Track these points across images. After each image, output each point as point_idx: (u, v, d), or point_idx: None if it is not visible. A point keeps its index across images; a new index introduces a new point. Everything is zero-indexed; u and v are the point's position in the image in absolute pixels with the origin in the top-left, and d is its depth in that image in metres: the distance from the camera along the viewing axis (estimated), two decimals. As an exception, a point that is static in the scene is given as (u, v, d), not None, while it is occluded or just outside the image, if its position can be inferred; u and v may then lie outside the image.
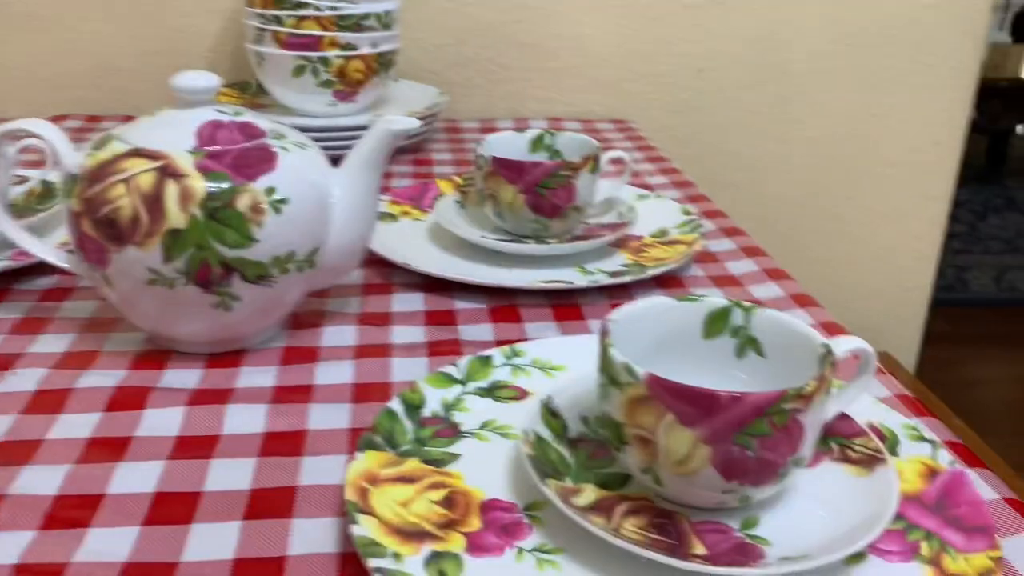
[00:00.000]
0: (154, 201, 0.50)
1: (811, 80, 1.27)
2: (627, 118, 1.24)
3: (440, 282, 0.67)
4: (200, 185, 0.50)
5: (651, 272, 0.67)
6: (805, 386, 0.36)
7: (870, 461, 0.42)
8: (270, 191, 0.52)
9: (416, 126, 0.57)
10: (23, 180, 0.78)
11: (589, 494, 0.42)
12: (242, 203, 0.51)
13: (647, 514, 0.41)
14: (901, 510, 0.41)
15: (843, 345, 0.41)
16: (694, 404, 0.36)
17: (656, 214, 0.79)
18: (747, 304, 0.44)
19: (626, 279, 0.66)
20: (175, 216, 0.50)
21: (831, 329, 0.61)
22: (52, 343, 0.58)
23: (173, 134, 0.53)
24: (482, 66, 1.20)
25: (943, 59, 1.27)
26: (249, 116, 0.56)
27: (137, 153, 0.51)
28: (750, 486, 0.38)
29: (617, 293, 0.67)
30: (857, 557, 0.39)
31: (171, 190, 0.50)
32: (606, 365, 0.40)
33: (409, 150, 1.03)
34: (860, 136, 1.31)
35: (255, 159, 0.53)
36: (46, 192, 0.78)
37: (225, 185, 0.51)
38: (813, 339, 0.41)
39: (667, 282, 0.69)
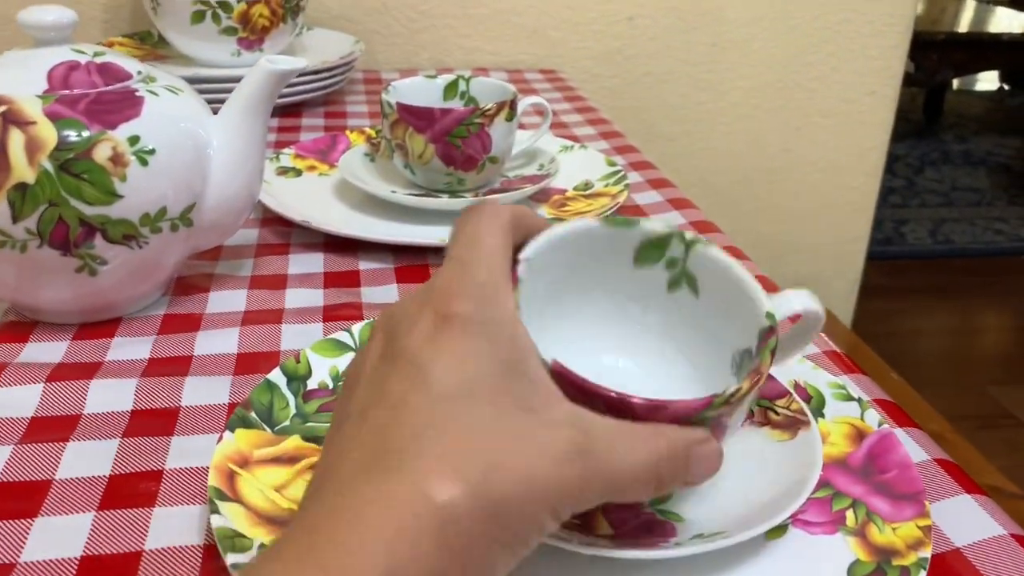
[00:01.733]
0: (-4, 152, 0.44)
1: (745, 28, 1.23)
2: (556, 68, 1.18)
3: (343, 242, 0.62)
4: (50, 133, 0.44)
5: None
6: (735, 390, 0.30)
7: (793, 424, 0.39)
8: (134, 140, 0.46)
9: (300, 66, 0.51)
10: None
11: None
12: (100, 154, 0.45)
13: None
14: (826, 476, 0.38)
15: (788, 304, 0.35)
16: (606, 408, 0.29)
17: (580, 166, 0.75)
18: (691, 236, 0.36)
19: (543, 233, 0.61)
20: (21, 169, 0.44)
21: (763, 285, 0.58)
22: (-100, 316, 0.52)
23: (20, 76, 0.47)
24: (402, 13, 1.14)
25: (877, 6, 1.24)
26: (112, 56, 0.50)
27: (-23, 98, 0.45)
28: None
29: (535, 249, 0.63)
30: (778, 530, 0.35)
31: (16, 139, 0.44)
32: None
33: (321, 102, 0.97)
34: (795, 86, 1.28)
35: (116, 104, 0.47)
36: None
37: (80, 134, 0.45)
38: (757, 301, 0.34)
39: (588, 236, 0.65)
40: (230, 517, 0.34)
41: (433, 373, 0.26)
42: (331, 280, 0.58)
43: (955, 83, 4.33)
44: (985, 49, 3.47)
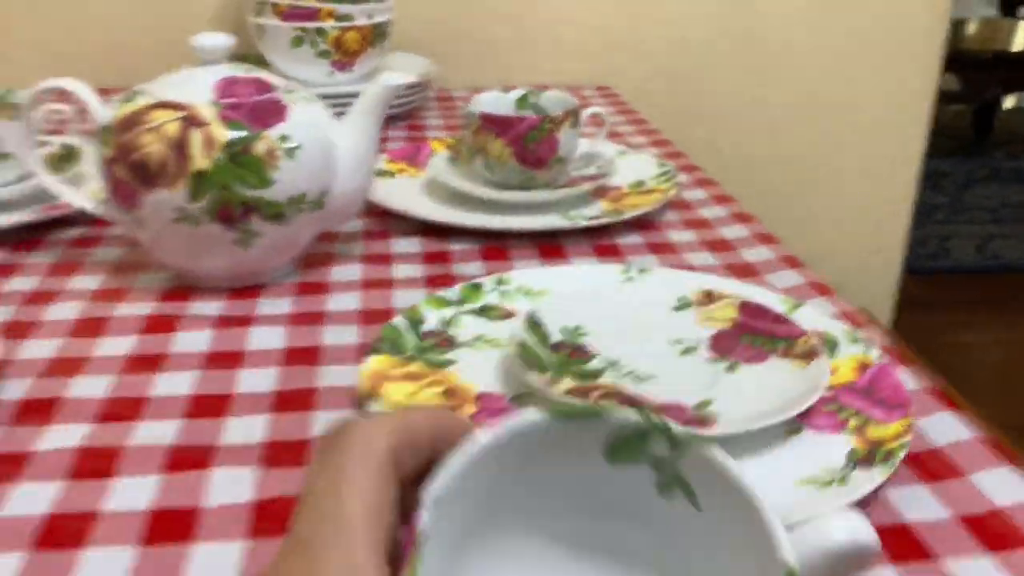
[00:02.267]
0: (180, 147, 0.56)
1: (787, 45, 1.33)
2: (610, 85, 1.30)
3: (435, 228, 0.74)
4: (221, 132, 0.57)
5: (628, 215, 0.74)
6: None
7: (809, 355, 0.49)
8: (283, 138, 0.58)
9: (411, 81, 0.63)
10: (44, 144, 0.84)
11: (567, 383, 0.49)
12: (259, 148, 0.57)
13: (616, 398, 0.47)
14: (835, 396, 0.48)
15: (828, 535, 0.26)
16: None
17: (634, 168, 0.86)
18: (681, 433, 0.26)
19: (604, 221, 0.73)
20: (199, 160, 0.56)
21: (819, 289, 0.68)
22: (86, 283, 0.65)
23: (194, 88, 0.59)
24: (471, 38, 1.27)
25: (911, 22, 1.34)
26: (258, 72, 0.62)
27: (162, 105, 0.58)
28: None
29: (598, 236, 0.74)
30: (795, 430, 0.46)
31: (195, 137, 0.56)
32: None
33: (402, 117, 1.09)
34: (834, 100, 1.38)
35: (269, 110, 0.59)
36: (67, 155, 0.84)
37: (244, 132, 0.57)
38: (775, 540, 0.24)
39: (644, 225, 0.76)
40: (379, 408, 0.46)
41: None
42: (428, 258, 0.69)
43: (1006, 102, 4.33)
44: (1034, 68, 3.49)
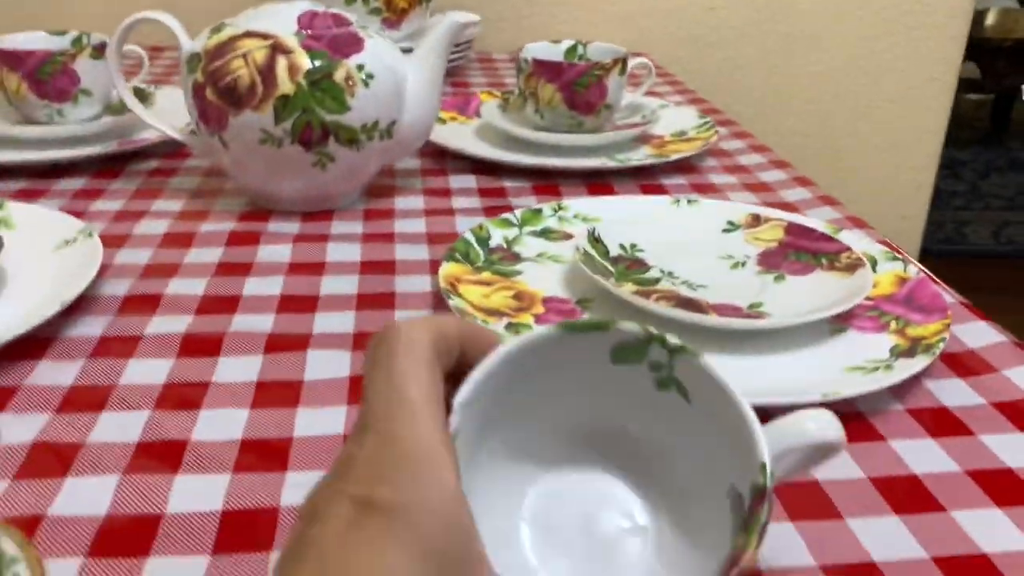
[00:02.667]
0: (268, 71, 0.61)
1: (816, 18, 1.36)
2: (644, 51, 1.34)
3: (489, 168, 0.78)
4: (304, 60, 0.61)
5: (672, 158, 0.78)
6: None
7: (852, 267, 0.53)
8: (360, 67, 0.63)
9: (476, 19, 0.67)
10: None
11: (629, 287, 0.53)
12: (339, 75, 0.62)
13: (675, 299, 0.52)
14: (875, 304, 0.52)
15: (800, 432, 0.29)
16: None
17: (675, 119, 0.90)
18: (674, 343, 0.30)
19: (650, 161, 0.77)
20: (285, 84, 0.61)
21: (856, 222, 0.72)
22: (169, 205, 0.69)
23: (278, 21, 0.63)
24: (510, 2, 1.30)
25: (933, 11, 1.37)
26: (337, 8, 0.66)
27: (250, 34, 0.62)
28: None
29: (644, 176, 0.78)
30: (840, 330, 0.50)
31: (281, 63, 0.61)
32: None
33: (446, 76, 1.13)
34: (861, 72, 1.41)
35: (347, 41, 0.63)
36: (139, 96, 0.88)
37: (325, 60, 0.61)
38: (755, 438, 0.28)
39: (687, 169, 0.80)
40: (458, 303, 0.50)
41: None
42: (484, 192, 0.74)
43: (1025, 91, 4.32)
44: (1054, 57, 3.50)
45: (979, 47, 3.29)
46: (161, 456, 0.40)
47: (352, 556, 0.22)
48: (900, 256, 0.57)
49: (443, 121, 0.89)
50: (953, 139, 1.49)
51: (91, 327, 0.51)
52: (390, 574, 0.22)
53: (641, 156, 0.80)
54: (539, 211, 0.65)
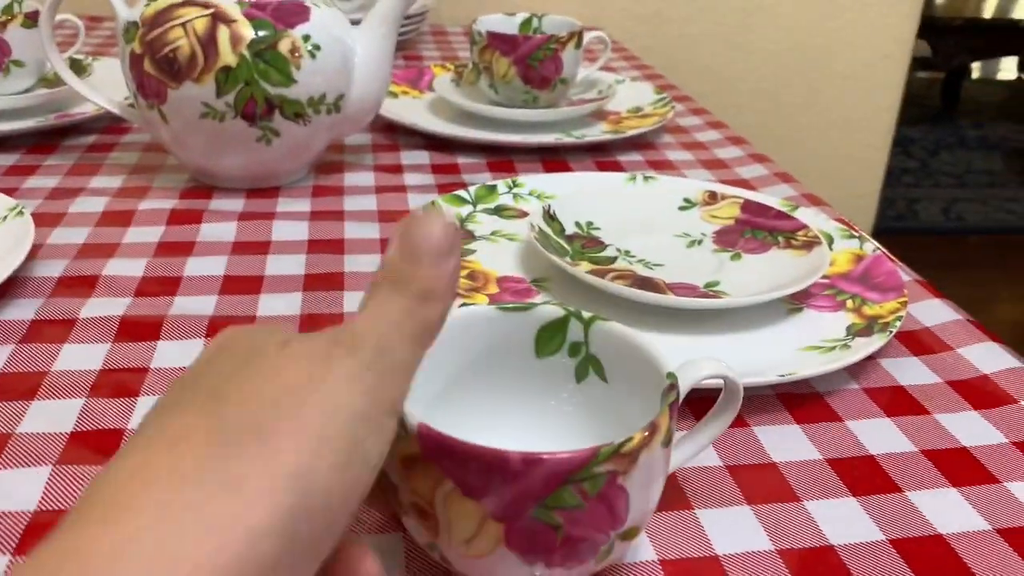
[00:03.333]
0: (209, 42, 0.58)
1: (772, -6, 1.36)
2: (601, 26, 1.32)
3: (442, 144, 0.76)
4: (247, 29, 0.59)
5: (629, 134, 0.76)
6: (625, 442, 0.27)
7: (809, 245, 0.53)
8: (306, 38, 0.60)
9: (428, -11, 0.65)
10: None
11: (585, 266, 0.52)
12: (283, 46, 0.59)
13: (630, 279, 0.51)
14: (832, 282, 0.52)
15: (697, 371, 0.32)
16: (477, 469, 0.27)
17: (632, 95, 0.89)
18: (587, 315, 0.34)
19: (606, 137, 0.75)
20: (227, 55, 0.58)
21: (813, 201, 0.71)
22: (106, 182, 0.66)
23: (219, -12, 0.61)
24: (466, -27, 1.28)
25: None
26: (282, -22, 0.64)
27: (190, 3, 0.59)
28: (560, 568, 0.29)
29: (599, 153, 0.76)
30: (796, 309, 0.49)
31: (223, 33, 0.58)
32: None
33: (399, 48, 1.11)
34: (817, 48, 1.41)
35: (292, 10, 0.61)
36: (75, 67, 0.85)
37: (269, 30, 0.59)
38: (658, 365, 0.32)
39: (643, 145, 0.79)
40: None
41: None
42: (437, 169, 0.72)
43: (975, 72, 4.41)
44: (1003, 35, 3.56)
45: (930, 25, 3.33)
46: (97, 446, 0.38)
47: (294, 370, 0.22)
48: (856, 234, 0.56)
49: (394, 95, 0.87)
50: (904, 117, 1.51)
51: (22, 310, 0.48)
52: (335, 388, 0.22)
53: (597, 132, 0.79)
54: (493, 188, 0.63)
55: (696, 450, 0.35)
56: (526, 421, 0.36)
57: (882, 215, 1.56)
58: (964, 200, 3.14)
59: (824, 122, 1.47)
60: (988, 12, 3.74)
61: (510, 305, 0.35)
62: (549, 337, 0.35)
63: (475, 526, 0.28)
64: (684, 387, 0.32)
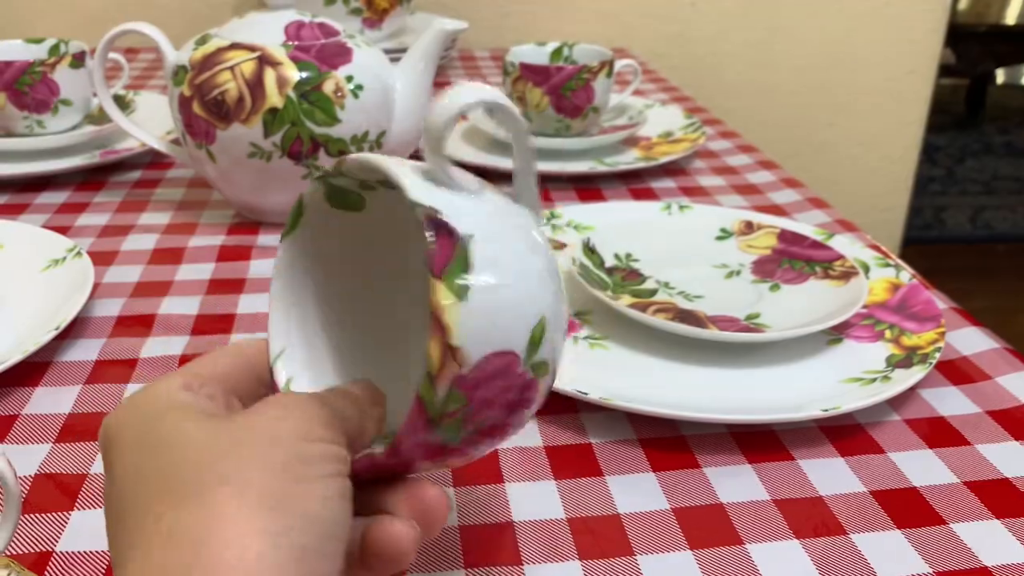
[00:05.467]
0: (256, 84, 0.60)
1: (796, 11, 1.37)
2: (626, 46, 1.33)
3: (478, 173, 0.77)
4: (293, 72, 0.60)
5: (661, 160, 0.78)
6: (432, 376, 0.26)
7: (846, 275, 0.54)
8: (349, 78, 0.62)
9: (464, 27, 0.67)
10: (95, 95, 0.87)
11: (626, 299, 0.53)
12: (328, 87, 0.61)
13: (672, 312, 0.52)
14: (870, 312, 0.53)
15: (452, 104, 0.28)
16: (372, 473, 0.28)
17: (662, 120, 0.90)
18: (324, 168, 0.33)
19: (639, 165, 0.77)
20: (274, 97, 0.60)
21: (845, 225, 0.72)
22: (155, 218, 0.69)
23: (265, 31, 0.63)
24: (492, 0, 1.30)
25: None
26: (323, 18, 0.66)
27: (236, 46, 0.61)
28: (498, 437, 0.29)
29: (632, 180, 0.78)
30: (836, 340, 0.50)
31: (270, 75, 0.60)
32: None
33: (432, 74, 1.13)
34: (841, 66, 1.42)
35: (335, 52, 0.63)
36: (119, 103, 0.87)
37: (313, 72, 0.61)
38: (402, 185, 0.27)
39: (675, 172, 0.80)
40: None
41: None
42: (474, 199, 0.73)
43: (1000, 77, 4.37)
44: (1027, 41, 3.54)
45: (954, 32, 3.32)
46: (165, 486, 0.40)
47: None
48: (892, 262, 0.57)
49: (429, 125, 0.89)
50: (929, 124, 1.51)
51: (85, 351, 0.50)
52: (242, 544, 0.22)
53: (630, 159, 0.80)
54: (531, 220, 0.64)
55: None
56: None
57: (910, 224, 1.56)
58: (991, 208, 3.11)
59: (850, 137, 1.47)
60: (1011, 18, 3.72)
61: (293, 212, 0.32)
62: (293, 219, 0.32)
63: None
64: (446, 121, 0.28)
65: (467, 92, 0.28)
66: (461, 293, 0.25)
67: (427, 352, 0.25)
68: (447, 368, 0.25)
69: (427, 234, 0.25)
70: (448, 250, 0.25)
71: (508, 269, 0.27)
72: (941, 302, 0.56)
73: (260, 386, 0.30)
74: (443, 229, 0.26)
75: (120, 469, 0.24)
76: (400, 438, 0.26)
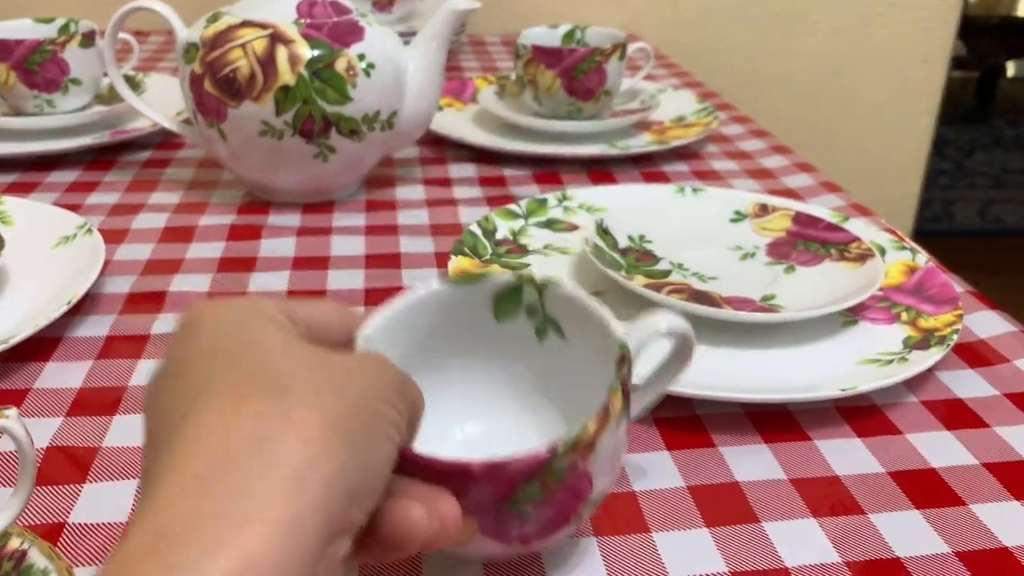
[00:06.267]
0: (268, 62, 0.59)
1: (809, 1, 1.36)
2: (637, 31, 1.33)
3: (488, 156, 0.77)
4: (305, 49, 0.60)
5: (673, 144, 0.77)
6: (582, 433, 0.29)
7: (862, 257, 0.53)
8: (361, 57, 0.62)
9: (477, 6, 0.66)
10: (105, 74, 0.87)
11: (640, 280, 0.52)
12: (340, 65, 0.61)
13: (686, 292, 0.51)
14: (886, 294, 0.52)
15: (652, 326, 0.33)
16: (445, 480, 0.28)
17: (674, 104, 0.89)
18: (540, 279, 0.35)
19: (651, 148, 0.76)
20: (286, 75, 0.60)
21: (860, 210, 0.72)
22: (165, 197, 0.68)
23: (277, 9, 0.62)
24: (504, -16, 1.29)
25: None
26: (336, -3, 0.65)
27: (248, 24, 0.61)
28: (537, 541, 0.31)
29: (645, 164, 0.77)
30: (851, 322, 0.50)
31: (282, 53, 0.60)
32: None
33: (442, 58, 1.12)
34: (853, 54, 1.41)
35: (347, 30, 0.62)
36: (130, 84, 0.87)
37: (326, 50, 0.60)
38: (611, 331, 0.32)
39: (687, 156, 0.79)
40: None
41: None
42: (485, 181, 0.73)
43: (1011, 71, 4.34)
44: (1039, 33, 3.51)
45: (965, 24, 3.30)
46: (177, 460, 0.39)
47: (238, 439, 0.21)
48: (908, 245, 0.57)
49: (440, 108, 0.88)
50: (939, 117, 1.50)
51: (96, 326, 0.50)
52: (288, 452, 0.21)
53: (642, 143, 0.80)
54: (544, 201, 0.64)
55: (651, 402, 0.37)
56: (494, 383, 0.37)
57: (919, 216, 1.55)
58: (1001, 201, 3.10)
59: (861, 126, 1.46)
60: (1023, 10, 3.69)
61: (462, 277, 0.35)
62: (506, 302, 0.35)
63: None
64: (641, 341, 0.33)
65: (662, 320, 0.33)
66: (623, 418, 0.31)
67: (585, 425, 0.29)
68: (580, 451, 0.29)
69: (622, 369, 0.31)
70: (628, 387, 0.31)
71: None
72: (958, 285, 0.55)
73: (341, 347, 0.31)
74: (629, 369, 0.32)
75: (193, 351, 0.24)
76: (499, 465, 0.28)
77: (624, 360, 0.31)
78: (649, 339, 0.33)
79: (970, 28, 3.50)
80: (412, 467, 0.28)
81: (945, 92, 1.48)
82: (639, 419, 0.37)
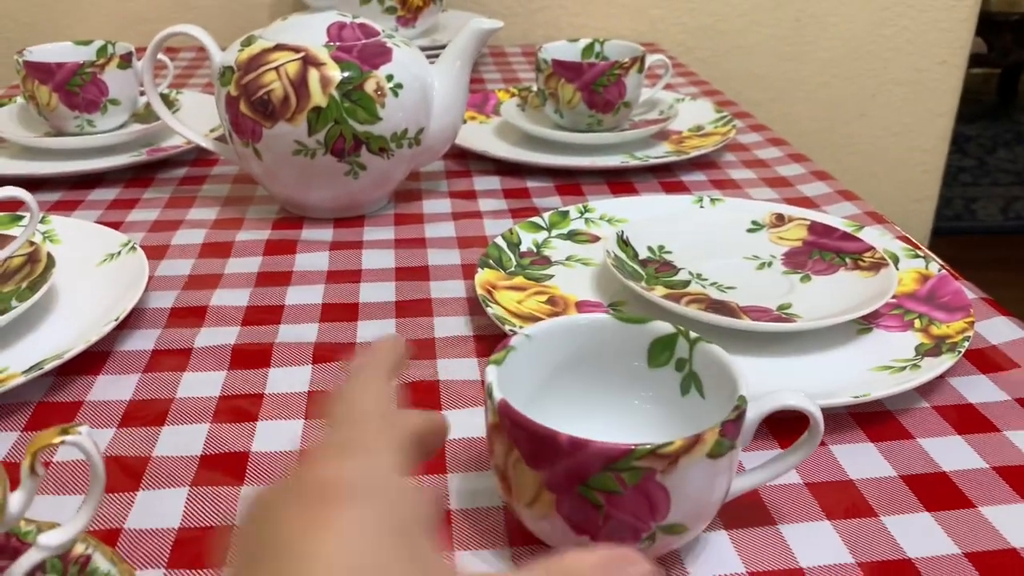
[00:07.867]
0: (300, 84, 0.62)
1: (825, 3, 1.37)
2: (655, 41, 1.34)
3: (511, 168, 0.80)
4: (336, 72, 0.63)
5: (692, 154, 0.79)
6: (662, 445, 0.31)
7: (876, 266, 0.55)
8: (389, 77, 0.64)
9: (500, 26, 0.68)
10: (143, 94, 0.90)
11: (660, 290, 0.54)
12: (369, 86, 0.63)
13: (705, 302, 0.53)
14: (899, 302, 0.54)
15: (779, 398, 0.36)
16: (535, 442, 0.32)
17: (692, 114, 0.91)
18: (694, 335, 0.38)
19: (670, 159, 0.78)
20: (318, 96, 0.62)
21: (875, 218, 0.73)
22: (203, 214, 0.71)
23: (307, 33, 0.65)
24: (523, -5, 1.31)
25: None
26: (364, 19, 0.68)
27: (281, 47, 0.63)
28: (604, 543, 0.33)
29: (664, 174, 0.79)
30: (865, 330, 0.51)
31: (313, 75, 0.62)
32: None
33: (464, 70, 1.14)
34: (871, 56, 1.42)
35: (375, 52, 0.65)
36: (165, 102, 0.90)
37: (355, 72, 0.63)
38: (737, 387, 0.35)
39: (705, 165, 0.81)
40: (496, 310, 0.52)
41: (316, 564, 0.20)
42: (509, 194, 0.75)
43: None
44: (1061, 29, 3.49)
45: (985, 21, 3.28)
46: (226, 469, 0.42)
47: (318, 534, 0.21)
48: (921, 253, 0.58)
49: (463, 121, 0.90)
50: (959, 114, 1.50)
51: (143, 340, 0.53)
52: (358, 536, 0.21)
53: (661, 153, 0.82)
54: (566, 213, 0.66)
55: (777, 473, 0.38)
56: (632, 423, 0.40)
57: (939, 215, 1.55)
58: (1023, 199, 3.08)
59: (879, 128, 1.47)
60: (1045, 7, 3.66)
61: (630, 316, 0.39)
62: (660, 350, 0.39)
63: (533, 492, 0.33)
64: (766, 410, 0.36)
65: (791, 397, 0.36)
66: (721, 459, 0.33)
67: (672, 440, 0.31)
68: (659, 460, 0.31)
69: (732, 413, 0.33)
70: (732, 432, 0.33)
71: None
72: (971, 292, 0.57)
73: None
74: (740, 419, 0.34)
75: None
76: (582, 443, 0.31)
77: (738, 410, 0.33)
78: (773, 410, 0.36)
79: (991, 25, 3.48)
80: (513, 425, 0.32)
81: (966, 89, 1.48)
82: (748, 490, 0.38)
